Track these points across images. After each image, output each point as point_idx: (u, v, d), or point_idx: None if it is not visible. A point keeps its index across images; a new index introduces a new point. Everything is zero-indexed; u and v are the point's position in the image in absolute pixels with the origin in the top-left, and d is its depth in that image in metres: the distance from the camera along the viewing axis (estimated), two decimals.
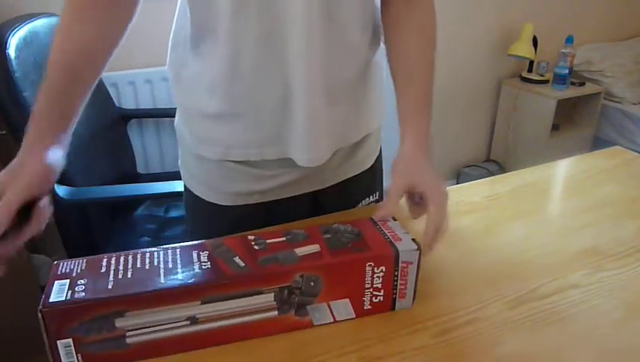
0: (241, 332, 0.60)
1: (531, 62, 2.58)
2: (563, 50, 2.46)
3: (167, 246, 0.63)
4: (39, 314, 0.52)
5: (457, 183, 2.54)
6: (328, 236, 0.64)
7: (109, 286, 0.55)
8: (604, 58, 2.67)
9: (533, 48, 2.46)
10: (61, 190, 1.27)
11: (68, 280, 0.55)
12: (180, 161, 0.91)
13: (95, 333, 0.54)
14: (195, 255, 0.60)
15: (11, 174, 0.65)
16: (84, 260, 0.59)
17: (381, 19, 0.80)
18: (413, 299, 0.66)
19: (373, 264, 0.62)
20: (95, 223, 1.43)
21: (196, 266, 0.58)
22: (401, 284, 0.64)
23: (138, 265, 0.58)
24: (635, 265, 0.75)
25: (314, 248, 0.62)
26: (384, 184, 0.95)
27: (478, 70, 2.61)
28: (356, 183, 0.91)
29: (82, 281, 0.55)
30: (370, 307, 0.64)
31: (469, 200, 0.92)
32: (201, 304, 0.57)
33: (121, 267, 0.58)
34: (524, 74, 2.61)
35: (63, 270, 0.57)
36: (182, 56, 0.80)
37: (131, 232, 1.52)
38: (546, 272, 0.73)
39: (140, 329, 0.56)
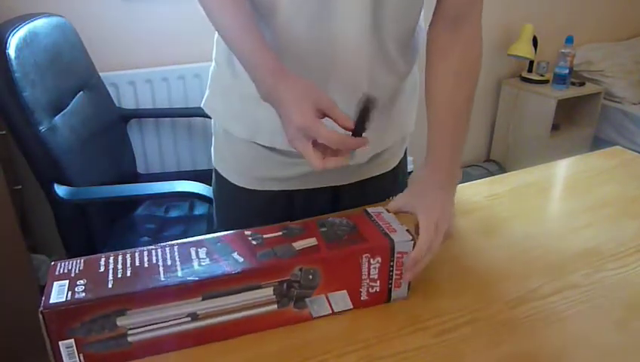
0: (242, 327, 0.60)
1: (531, 62, 2.58)
2: (563, 50, 2.46)
3: (165, 243, 0.63)
4: (40, 316, 0.52)
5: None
6: (324, 230, 0.65)
7: (110, 286, 0.55)
8: (604, 58, 2.67)
9: (533, 48, 2.46)
10: (61, 190, 1.27)
11: (67, 281, 0.55)
12: (212, 149, 0.94)
13: (96, 333, 0.54)
14: (193, 252, 0.61)
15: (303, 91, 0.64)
16: (82, 260, 0.59)
17: (426, 42, 0.80)
18: (409, 289, 0.67)
19: (369, 255, 0.63)
20: (95, 223, 1.42)
21: (195, 263, 0.59)
22: (396, 274, 0.65)
23: (137, 264, 0.58)
24: (635, 265, 0.75)
25: (311, 241, 0.63)
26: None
27: None
28: (377, 184, 0.93)
29: (82, 281, 0.55)
30: (367, 298, 0.65)
31: (469, 200, 0.92)
32: (202, 300, 0.57)
33: (119, 266, 0.58)
34: (524, 74, 2.61)
35: (62, 270, 0.57)
36: None
37: (131, 232, 1.52)
38: (546, 272, 0.73)
39: (141, 327, 0.56)
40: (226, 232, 0.67)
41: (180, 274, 0.57)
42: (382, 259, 0.63)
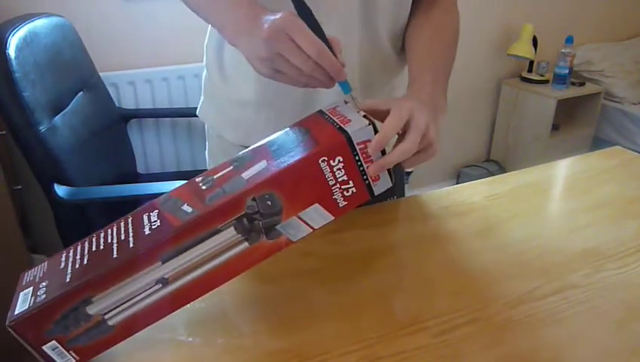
0: (220, 275, 0.56)
1: (531, 62, 2.58)
2: (563, 50, 2.46)
3: (121, 218, 0.59)
4: (11, 331, 0.51)
5: (457, 183, 2.54)
6: (274, 148, 0.59)
7: (67, 279, 0.53)
8: (604, 58, 2.67)
9: (533, 48, 2.46)
10: (61, 190, 1.27)
11: (31, 288, 0.54)
12: (206, 153, 0.95)
13: (74, 327, 0.53)
14: (145, 218, 0.57)
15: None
16: (46, 262, 0.57)
17: (405, 27, 0.81)
18: (392, 178, 0.61)
19: (326, 158, 0.56)
20: (95, 223, 1.43)
21: (147, 228, 0.55)
22: (368, 166, 0.59)
23: (93, 249, 0.56)
24: (635, 265, 0.75)
25: (260, 166, 0.57)
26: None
27: (478, 70, 2.61)
28: None
29: (44, 283, 0.54)
30: (345, 203, 0.59)
31: (469, 200, 0.92)
32: (162, 264, 0.54)
33: (78, 256, 0.56)
34: (524, 74, 2.61)
35: (28, 279, 0.56)
36: (221, 43, 0.81)
37: None
38: (546, 272, 0.73)
39: (114, 309, 0.54)
40: (177, 185, 0.62)
41: (131, 245, 0.54)
42: (343, 156, 0.56)
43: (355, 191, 0.59)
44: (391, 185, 0.61)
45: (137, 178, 1.78)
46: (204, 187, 0.58)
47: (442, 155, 2.70)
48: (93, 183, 1.39)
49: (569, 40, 2.47)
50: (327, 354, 0.59)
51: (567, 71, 2.47)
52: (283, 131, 0.62)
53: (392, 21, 0.77)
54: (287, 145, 0.59)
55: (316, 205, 0.57)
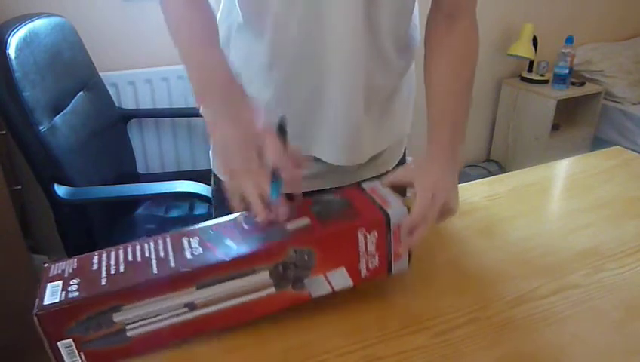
0: (241, 312, 0.60)
1: (531, 62, 2.58)
2: (563, 50, 2.46)
3: (157, 236, 0.62)
4: (35, 319, 0.52)
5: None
6: (317, 208, 0.64)
7: (103, 283, 0.55)
8: (604, 58, 2.67)
9: (533, 48, 2.46)
10: (61, 190, 1.27)
11: (61, 281, 0.55)
12: (211, 150, 0.93)
13: (94, 331, 0.54)
14: (185, 242, 0.60)
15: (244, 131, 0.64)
16: (75, 260, 0.59)
17: (425, 38, 0.81)
18: (409, 261, 0.66)
19: (364, 230, 0.61)
20: (95, 223, 1.43)
21: (187, 253, 0.58)
22: (395, 247, 0.64)
23: (130, 259, 0.58)
24: (635, 265, 0.75)
25: (304, 221, 0.62)
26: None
27: (478, 70, 2.58)
28: None
29: (75, 281, 0.55)
30: (367, 273, 0.64)
31: (468, 200, 0.92)
32: (197, 289, 0.57)
33: (112, 262, 0.58)
34: (524, 74, 2.61)
35: (55, 271, 0.57)
36: (227, 41, 0.82)
37: (131, 232, 1.52)
38: (546, 272, 0.73)
39: (138, 321, 0.55)
40: (217, 220, 0.66)
41: (172, 265, 0.57)
42: (378, 232, 0.62)
43: (377, 265, 0.64)
44: (407, 268, 0.66)
45: (137, 178, 1.78)
46: (246, 227, 0.62)
47: None
48: (93, 183, 1.38)
49: (569, 40, 2.47)
50: (327, 354, 0.59)
51: (567, 71, 2.47)
52: (326, 196, 0.68)
53: (395, 24, 0.76)
54: (329, 209, 0.64)
55: (343, 269, 0.62)
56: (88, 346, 0.55)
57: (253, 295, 0.59)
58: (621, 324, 0.64)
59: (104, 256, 0.59)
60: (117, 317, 0.54)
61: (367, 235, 0.62)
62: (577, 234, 0.82)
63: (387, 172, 0.93)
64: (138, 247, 0.60)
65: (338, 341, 0.61)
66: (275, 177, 0.61)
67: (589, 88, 2.58)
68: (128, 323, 0.55)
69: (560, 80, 2.50)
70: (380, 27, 0.74)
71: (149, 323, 0.56)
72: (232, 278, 0.58)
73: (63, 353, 0.54)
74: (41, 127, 1.24)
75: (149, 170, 1.95)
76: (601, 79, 2.66)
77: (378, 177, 0.92)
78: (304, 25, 0.71)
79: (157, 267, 0.57)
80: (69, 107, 1.40)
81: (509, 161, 2.74)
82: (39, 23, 1.38)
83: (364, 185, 0.69)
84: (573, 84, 2.56)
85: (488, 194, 0.94)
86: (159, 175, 1.89)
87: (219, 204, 0.95)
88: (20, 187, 1.65)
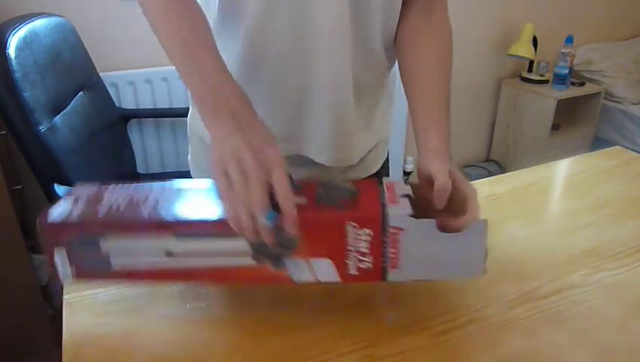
0: (221, 274, 0.61)
1: (531, 62, 2.58)
2: (563, 50, 2.46)
3: (170, 184, 0.67)
4: (37, 223, 0.60)
5: None
6: (321, 190, 0.61)
7: (100, 215, 0.60)
8: (604, 58, 2.67)
9: (533, 48, 2.46)
10: (61, 190, 1.27)
11: (72, 202, 0.63)
12: (189, 157, 0.92)
13: (84, 251, 0.60)
14: (189, 195, 0.64)
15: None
16: (96, 187, 0.66)
17: (398, 32, 0.79)
18: (485, 260, 0.62)
19: (356, 225, 0.57)
20: None
21: (182, 204, 0.62)
22: (391, 253, 0.58)
23: (134, 200, 0.62)
24: (635, 265, 0.75)
25: (299, 200, 0.57)
26: None
27: (478, 70, 2.61)
28: None
29: (81, 206, 0.62)
30: (357, 273, 0.59)
31: None
32: (175, 238, 0.59)
33: (119, 198, 0.63)
34: (524, 74, 2.61)
35: (77, 192, 0.65)
36: None
37: None
38: (546, 272, 0.73)
39: (122, 254, 0.60)
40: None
41: (162, 212, 0.60)
42: (373, 231, 0.57)
43: (370, 267, 0.59)
44: (407, 281, 0.61)
45: (137, 178, 1.78)
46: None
47: None
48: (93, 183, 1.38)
49: (569, 40, 2.47)
50: (327, 354, 0.59)
51: (567, 71, 2.47)
52: (337, 182, 0.63)
53: (383, 23, 0.75)
54: (333, 195, 0.60)
55: (328, 260, 0.59)
56: (78, 262, 0.61)
57: (231, 259, 0.60)
58: (621, 324, 0.64)
59: (116, 192, 0.65)
60: (103, 244, 0.60)
61: (358, 231, 0.57)
62: (577, 234, 0.82)
63: (377, 172, 0.92)
64: (145, 193, 0.64)
65: (338, 341, 0.61)
66: (275, 209, 0.56)
67: (589, 88, 2.58)
68: (112, 253, 0.60)
69: (560, 80, 2.50)
70: (368, 26, 0.72)
71: (131, 259, 0.61)
72: (210, 236, 0.59)
73: (57, 260, 0.61)
74: (41, 127, 1.24)
75: (148, 170, 1.95)
76: (601, 79, 2.66)
77: (368, 178, 0.91)
78: (289, 25, 0.69)
79: (148, 211, 0.60)
80: (69, 107, 1.40)
81: (509, 161, 2.74)
82: (39, 23, 1.38)
83: (384, 179, 0.65)
84: (573, 84, 2.56)
85: (488, 195, 0.94)
86: (159, 175, 1.89)
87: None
88: (20, 187, 1.65)
